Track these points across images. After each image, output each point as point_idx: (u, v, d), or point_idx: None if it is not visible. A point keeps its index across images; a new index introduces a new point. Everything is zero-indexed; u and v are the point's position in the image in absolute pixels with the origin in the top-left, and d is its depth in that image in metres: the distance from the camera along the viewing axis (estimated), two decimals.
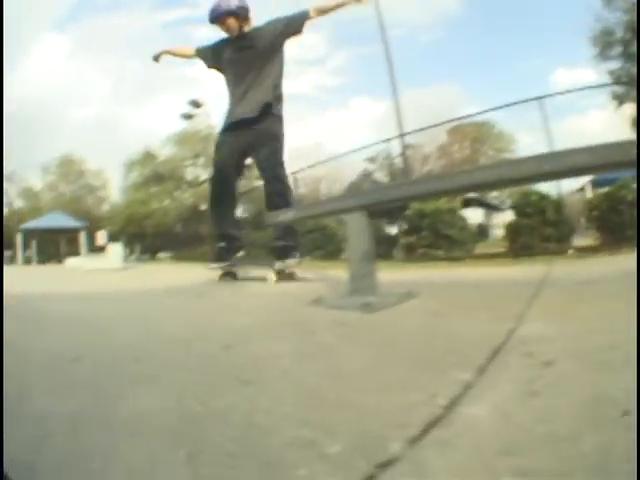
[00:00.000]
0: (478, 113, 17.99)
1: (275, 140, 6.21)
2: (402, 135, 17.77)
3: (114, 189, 63.07)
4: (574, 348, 2.01)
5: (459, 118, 21.43)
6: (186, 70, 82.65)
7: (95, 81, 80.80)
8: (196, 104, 33.43)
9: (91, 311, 4.35)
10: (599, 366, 1.70)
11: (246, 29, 6.14)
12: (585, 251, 9.86)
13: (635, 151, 2.73)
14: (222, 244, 6.55)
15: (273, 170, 6.19)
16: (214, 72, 6.61)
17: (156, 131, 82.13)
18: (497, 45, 73.25)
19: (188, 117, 35.72)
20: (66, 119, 74.20)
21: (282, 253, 6.18)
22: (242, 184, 35.89)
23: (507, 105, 13.95)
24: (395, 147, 32.04)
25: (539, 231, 11.32)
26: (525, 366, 1.81)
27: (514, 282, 5.00)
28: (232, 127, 6.27)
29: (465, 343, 2.22)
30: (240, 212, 41.55)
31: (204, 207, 41.37)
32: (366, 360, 2.09)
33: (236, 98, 6.29)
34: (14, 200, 62.82)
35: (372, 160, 24.35)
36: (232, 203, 6.79)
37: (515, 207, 12.50)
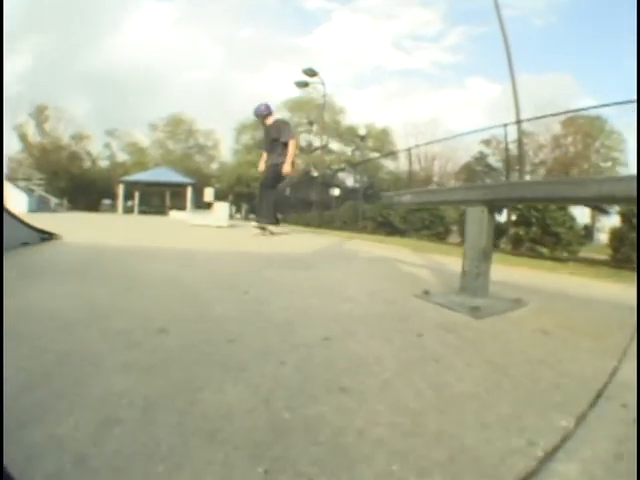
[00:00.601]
0: (593, 107, 17.12)
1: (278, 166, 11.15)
2: (519, 122, 17.12)
3: (224, 150, 64.86)
4: None
5: (576, 110, 20.37)
6: (298, 40, 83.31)
7: (206, 48, 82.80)
8: (311, 72, 33.52)
9: (189, 274, 4.27)
10: None
11: (269, 120, 11.46)
12: None
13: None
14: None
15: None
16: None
17: (269, 97, 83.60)
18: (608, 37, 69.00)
19: (303, 85, 35.82)
20: (176, 82, 76.73)
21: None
22: (357, 156, 36.19)
23: (622, 102, 12.87)
24: (510, 132, 30.95)
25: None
26: (618, 421, 1.68)
27: (619, 304, 4.63)
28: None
29: (570, 378, 2.05)
30: (351, 182, 41.76)
31: (316, 174, 41.94)
32: (470, 382, 1.94)
33: (266, 149, 11.52)
34: (116, 153, 66.32)
35: (487, 143, 23.68)
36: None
37: (623, 213, 11.59)
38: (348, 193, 35.81)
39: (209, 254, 6.67)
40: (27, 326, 2.29)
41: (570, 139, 44.28)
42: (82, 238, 7.75)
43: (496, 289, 3.68)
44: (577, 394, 1.84)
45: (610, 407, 1.76)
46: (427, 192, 7.69)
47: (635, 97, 11.82)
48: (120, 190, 47.41)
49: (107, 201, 56.29)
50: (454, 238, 17.61)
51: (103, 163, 65.81)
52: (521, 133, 18.11)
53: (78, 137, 62.62)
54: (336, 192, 34.92)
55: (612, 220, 14.02)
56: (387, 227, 19.61)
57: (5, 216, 5.72)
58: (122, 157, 66.32)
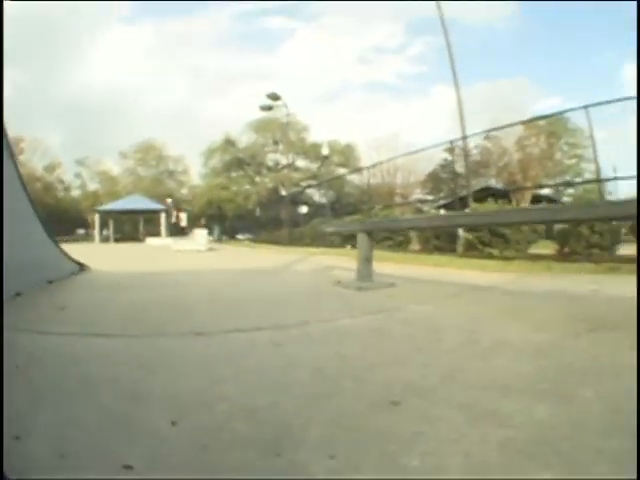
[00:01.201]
0: (560, 112, 18.60)
1: None
2: (464, 137, 18.97)
3: (194, 174, 66.20)
4: None
5: (540, 117, 22.02)
6: (262, 59, 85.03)
7: (173, 73, 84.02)
8: (274, 97, 35.54)
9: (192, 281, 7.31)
10: None
11: None
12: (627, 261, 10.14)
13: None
14: None
15: None
16: None
17: (235, 119, 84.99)
18: (567, 37, 71.32)
19: (268, 109, 37.92)
20: (144, 109, 77.85)
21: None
22: (322, 172, 37.25)
23: (591, 105, 13.83)
24: (476, 139, 33.12)
25: (586, 238, 12.43)
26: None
27: (469, 285, 7.45)
28: None
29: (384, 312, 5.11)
30: (319, 197, 43.21)
31: (284, 192, 43.99)
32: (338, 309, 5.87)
33: None
34: (87, 182, 67.44)
35: (450, 151, 25.71)
36: None
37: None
38: (316, 209, 37.68)
39: (203, 270, 9.70)
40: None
41: (534, 140, 45.09)
42: (103, 268, 9.80)
43: (390, 280, 6.93)
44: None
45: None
46: (338, 224, 11.17)
47: (635, 94, 11.45)
48: (96, 219, 48.78)
49: (81, 230, 57.38)
50: (415, 245, 19.55)
51: (75, 192, 66.61)
52: (467, 148, 19.99)
53: (51, 167, 63.27)
54: (304, 209, 36.82)
55: None
56: (353, 240, 21.29)
57: (58, 253, 8.04)
58: (93, 186, 67.20)
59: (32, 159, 61.47)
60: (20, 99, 66.48)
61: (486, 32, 70.37)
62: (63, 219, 56.79)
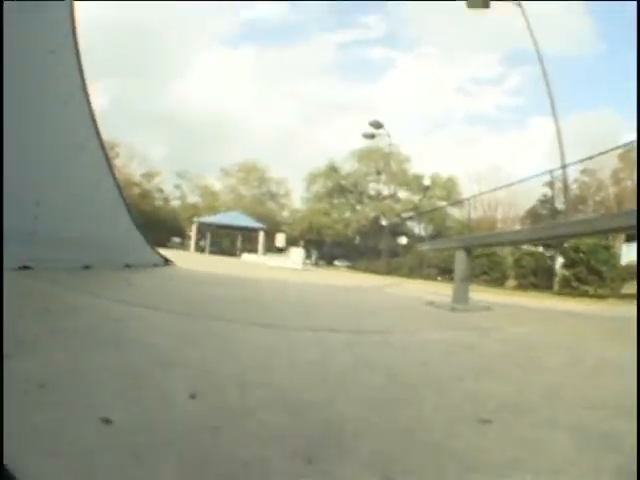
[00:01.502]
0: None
1: None
2: (564, 167, 18.76)
3: (295, 198, 67.01)
4: None
5: (627, 144, 21.14)
6: (363, 89, 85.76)
7: (276, 98, 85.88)
8: (377, 125, 35.49)
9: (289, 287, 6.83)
10: None
11: None
12: None
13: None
14: None
15: None
16: None
17: (337, 147, 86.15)
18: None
19: (370, 137, 37.93)
20: (245, 130, 79.88)
21: None
22: (424, 204, 36.79)
23: None
24: (573, 172, 31.88)
25: None
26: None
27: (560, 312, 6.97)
28: None
29: (482, 332, 4.35)
30: (419, 229, 42.60)
31: (384, 222, 43.80)
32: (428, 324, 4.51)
33: None
34: (187, 195, 69.40)
35: (550, 185, 24.80)
36: None
37: None
38: (416, 241, 37.22)
39: (293, 281, 9.31)
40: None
41: (628, 172, 43.37)
42: (187, 266, 9.86)
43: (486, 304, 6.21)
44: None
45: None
46: (435, 242, 10.50)
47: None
48: (193, 230, 50.09)
49: (176, 239, 58.88)
50: (511, 283, 19.11)
51: (174, 203, 68.62)
52: (566, 179, 19.43)
53: (149, 175, 65.35)
54: (403, 240, 36.43)
55: None
56: (449, 273, 21.08)
57: (144, 244, 8.07)
58: (193, 199, 69.09)
59: (129, 164, 63.87)
60: (117, 109, 69.61)
61: (576, 61, 68.77)
62: (160, 227, 58.62)
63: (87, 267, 5.55)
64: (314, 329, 3.54)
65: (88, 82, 6.21)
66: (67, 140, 5.64)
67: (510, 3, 20.79)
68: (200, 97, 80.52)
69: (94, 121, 6.47)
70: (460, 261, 6.11)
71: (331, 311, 4.89)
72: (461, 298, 5.96)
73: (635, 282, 14.89)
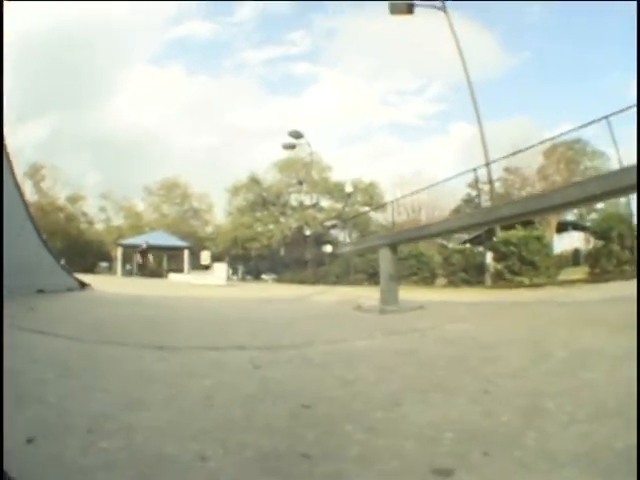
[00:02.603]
0: (570, 131, 18.70)
1: None
2: (488, 164, 19.27)
3: (218, 213, 66.48)
4: None
5: (552, 138, 21.89)
6: (287, 103, 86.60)
7: (199, 112, 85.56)
8: (297, 134, 35.55)
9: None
10: None
11: None
12: None
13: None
14: None
15: None
16: None
17: (259, 159, 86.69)
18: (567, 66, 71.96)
19: (291, 147, 38.06)
20: (167, 146, 79.24)
21: None
22: (347, 211, 37.15)
23: (599, 119, 13.91)
24: (497, 171, 32.70)
25: (616, 256, 12.16)
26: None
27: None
28: None
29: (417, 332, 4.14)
30: (343, 236, 42.81)
31: (308, 232, 43.83)
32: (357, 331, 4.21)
33: None
34: (112, 217, 68.15)
35: (473, 186, 25.32)
36: None
37: (594, 232, 13.73)
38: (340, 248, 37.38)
39: (212, 297, 8.99)
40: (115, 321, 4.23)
41: (554, 167, 44.53)
42: (109, 290, 9.43)
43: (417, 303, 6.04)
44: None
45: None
46: (356, 242, 10.47)
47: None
48: (119, 253, 48.95)
49: (104, 264, 57.47)
50: (441, 281, 18.92)
51: (98, 226, 67.18)
52: (490, 175, 19.87)
53: (73, 198, 63.82)
54: (329, 249, 36.46)
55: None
56: (377, 277, 21.02)
57: (58, 268, 7.64)
58: (118, 221, 67.84)
59: (54, 188, 62.24)
60: (44, 129, 68.07)
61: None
62: (86, 251, 57.15)
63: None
64: (219, 348, 3.28)
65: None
66: None
67: (434, 10, 21.04)
68: (126, 116, 79.26)
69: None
70: (385, 259, 5.92)
71: (246, 326, 4.59)
72: (390, 299, 5.75)
73: (574, 269, 15.78)
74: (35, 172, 62.85)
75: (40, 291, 6.38)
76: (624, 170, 4.39)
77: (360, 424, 1.70)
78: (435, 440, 1.54)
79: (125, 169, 75.46)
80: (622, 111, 11.68)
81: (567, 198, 5.12)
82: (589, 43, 68.59)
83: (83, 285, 8.33)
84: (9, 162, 6.39)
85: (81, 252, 54.94)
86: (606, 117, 12.58)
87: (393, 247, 6.10)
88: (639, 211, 8.62)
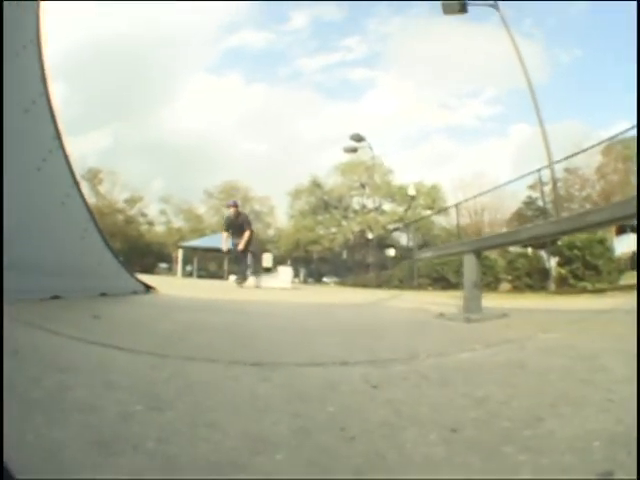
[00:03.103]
0: (626, 130, 18.31)
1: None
2: (556, 162, 18.92)
3: (280, 215, 66.96)
4: None
5: (610, 138, 21.12)
6: (346, 107, 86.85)
7: (260, 118, 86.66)
8: (358, 138, 35.42)
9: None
10: None
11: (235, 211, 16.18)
12: None
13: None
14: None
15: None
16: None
17: (321, 162, 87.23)
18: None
19: (352, 150, 37.97)
20: (228, 150, 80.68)
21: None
22: (409, 215, 36.74)
23: None
24: (557, 173, 31.90)
25: None
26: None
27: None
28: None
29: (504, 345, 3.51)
30: (406, 239, 42.51)
31: (371, 235, 43.51)
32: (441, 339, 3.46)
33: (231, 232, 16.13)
34: (172, 219, 69.26)
35: (534, 187, 24.63)
36: None
37: None
38: (404, 252, 36.89)
39: (282, 302, 8.58)
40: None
41: (612, 166, 43.53)
42: (172, 292, 9.13)
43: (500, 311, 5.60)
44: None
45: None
46: (437, 248, 9.85)
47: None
48: (179, 255, 49.74)
49: (163, 265, 58.50)
50: (505, 286, 18.72)
51: (159, 228, 68.49)
52: (554, 176, 19.38)
53: (132, 200, 65.22)
54: (391, 252, 36.02)
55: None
56: (442, 282, 20.75)
57: (121, 270, 7.36)
58: (177, 223, 69.11)
59: (112, 191, 63.63)
60: (102, 137, 69.87)
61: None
62: (146, 253, 58.22)
63: (56, 297, 4.87)
64: (321, 364, 2.72)
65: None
66: (26, 151, 5.02)
67: (487, 8, 20.69)
68: (185, 123, 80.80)
69: (58, 134, 5.83)
70: (470, 266, 5.46)
71: (332, 336, 3.97)
72: (474, 307, 5.29)
73: (633, 273, 14.94)
74: (92, 176, 64.80)
75: (103, 294, 6.05)
76: None
77: (515, 444, 1.46)
78: (587, 450, 1.40)
79: (185, 174, 77.25)
80: None
81: None
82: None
83: (148, 288, 7.99)
84: (69, 165, 6.08)
85: (141, 253, 55.93)
86: None
87: (478, 253, 5.59)
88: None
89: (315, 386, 2.18)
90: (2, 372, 1.59)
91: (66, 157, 5.89)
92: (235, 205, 16.62)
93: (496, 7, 20.37)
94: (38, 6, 5.44)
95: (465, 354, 3.12)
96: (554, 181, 19.61)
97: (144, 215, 67.04)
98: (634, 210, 3.59)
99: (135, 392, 1.88)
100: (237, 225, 16.03)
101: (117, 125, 78.04)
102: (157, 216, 68.69)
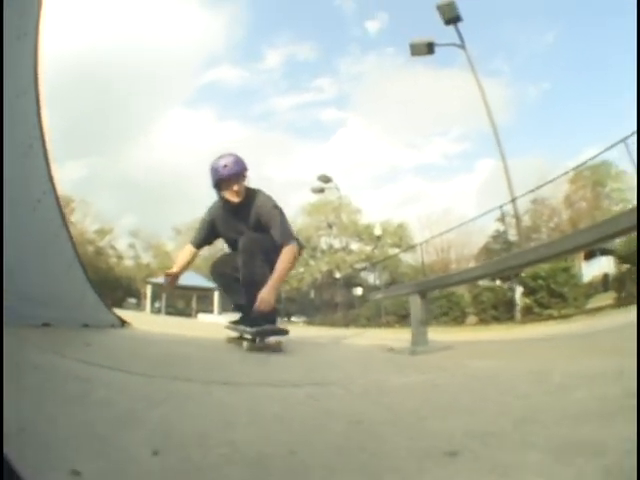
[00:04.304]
0: (592, 157, 19.28)
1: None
2: (522, 195, 20.08)
3: None
4: None
5: (575, 167, 22.15)
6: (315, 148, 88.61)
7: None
8: (325, 179, 36.23)
9: None
10: None
11: (239, 189, 5.71)
12: None
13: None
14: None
15: None
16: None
17: (289, 202, 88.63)
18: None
19: (319, 191, 38.74)
20: (199, 187, 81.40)
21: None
22: (376, 254, 37.24)
23: (616, 143, 14.59)
24: (524, 204, 33.05)
25: None
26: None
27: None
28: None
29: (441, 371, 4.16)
30: (373, 278, 42.79)
31: (338, 275, 44.04)
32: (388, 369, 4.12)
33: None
34: (141, 254, 69.14)
35: (501, 221, 25.51)
36: None
37: (619, 256, 13.73)
38: (372, 291, 37.46)
39: None
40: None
41: (581, 193, 44.39)
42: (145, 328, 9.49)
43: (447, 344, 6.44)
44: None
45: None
46: (388, 290, 10.75)
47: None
48: (148, 291, 49.73)
49: (132, 300, 58.32)
50: (472, 320, 19.39)
51: (128, 262, 68.24)
52: (517, 211, 20.63)
53: (102, 232, 65.00)
54: (359, 291, 36.56)
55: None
56: (409, 319, 21.13)
57: (100, 303, 7.78)
58: (146, 258, 68.99)
59: (83, 221, 63.44)
60: (76, 168, 69.83)
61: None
62: (116, 287, 57.85)
63: (47, 324, 5.25)
64: (275, 384, 3.34)
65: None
66: (23, 193, 5.43)
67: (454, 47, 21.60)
68: (159, 157, 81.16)
69: (50, 175, 6.25)
70: (415, 305, 6.21)
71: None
72: (420, 341, 6.02)
73: (602, 295, 16.03)
74: (64, 205, 64.29)
75: (85, 325, 6.43)
76: None
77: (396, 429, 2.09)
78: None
79: (156, 209, 77.03)
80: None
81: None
82: (598, 67, 70.40)
83: (123, 322, 8.39)
84: (57, 200, 6.51)
85: (111, 287, 55.58)
86: (624, 140, 12.83)
87: (423, 293, 6.31)
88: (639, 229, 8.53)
89: (267, 397, 2.85)
90: (2, 372, 1.65)
91: (57, 198, 6.35)
92: (240, 171, 5.76)
93: (463, 47, 21.43)
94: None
95: (395, 378, 3.72)
96: (517, 215, 20.71)
97: (113, 248, 66.92)
98: (596, 236, 4.01)
99: (133, 398, 2.52)
100: (251, 218, 5.81)
101: (92, 155, 78.21)
102: (126, 250, 68.61)
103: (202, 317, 34.75)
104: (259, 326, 5.23)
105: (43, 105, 5.97)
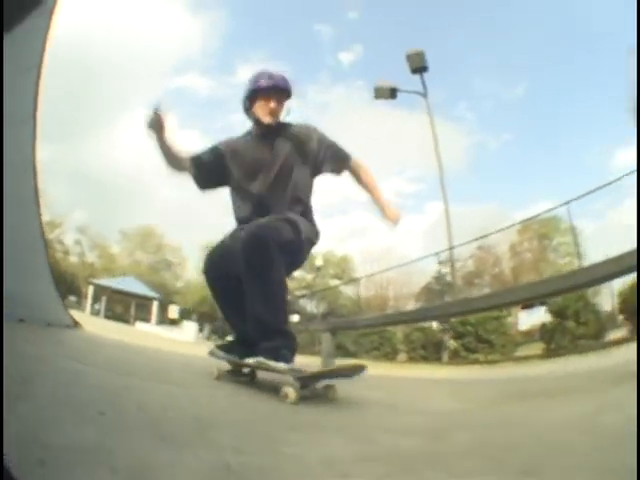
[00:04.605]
0: (547, 211, 20.34)
1: None
2: (451, 248, 21.41)
3: (190, 269, 66.21)
4: None
5: (523, 221, 23.69)
6: None
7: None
8: None
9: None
10: None
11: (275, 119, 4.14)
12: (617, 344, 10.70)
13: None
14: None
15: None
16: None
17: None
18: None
19: None
20: (150, 195, 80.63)
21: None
22: (317, 283, 37.29)
23: (560, 205, 14.96)
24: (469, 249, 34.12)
25: (571, 331, 12.98)
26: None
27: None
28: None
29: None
30: (310, 307, 42.88)
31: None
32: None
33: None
34: (86, 253, 67.46)
35: (444, 264, 26.56)
36: None
37: (551, 310, 14.38)
38: (308, 319, 37.85)
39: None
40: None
41: (526, 245, 45.38)
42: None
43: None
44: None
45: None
46: (309, 323, 11.95)
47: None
48: (90, 292, 48.68)
49: (73, 298, 56.95)
50: (402, 357, 20.06)
51: (72, 259, 66.37)
52: (453, 259, 22.07)
53: (52, 224, 62.97)
54: (295, 318, 36.97)
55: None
56: (341, 350, 21.76)
57: (60, 304, 8.26)
58: (91, 257, 67.16)
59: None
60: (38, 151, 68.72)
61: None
62: (59, 282, 56.36)
63: (22, 320, 5.64)
64: (184, 385, 3.81)
65: None
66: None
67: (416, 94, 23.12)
68: (118, 157, 79.93)
69: (42, 228, 6.94)
70: (326, 341, 7.17)
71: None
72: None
73: (536, 344, 16.36)
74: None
75: (50, 325, 6.86)
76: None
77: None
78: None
79: (106, 209, 75.74)
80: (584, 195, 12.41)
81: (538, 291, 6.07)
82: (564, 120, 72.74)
83: (76, 323, 8.77)
84: (38, 205, 6.82)
85: (55, 282, 54.10)
86: (567, 203, 13.58)
87: (333, 331, 7.31)
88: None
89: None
90: (2, 372, 1.63)
91: (36, 193, 6.65)
92: (286, 88, 4.24)
93: (425, 96, 22.83)
94: None
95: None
96: (452, 263, 22.08)
97: (61, 243, 65.21)
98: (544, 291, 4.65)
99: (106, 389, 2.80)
100: (287, 140, 4.14)
101: (53, 142, 76.69)
102: (72, 246, 66.88)
103: (140, 326, 34.22)
104: (277, 351, 3.37)
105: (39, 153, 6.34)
